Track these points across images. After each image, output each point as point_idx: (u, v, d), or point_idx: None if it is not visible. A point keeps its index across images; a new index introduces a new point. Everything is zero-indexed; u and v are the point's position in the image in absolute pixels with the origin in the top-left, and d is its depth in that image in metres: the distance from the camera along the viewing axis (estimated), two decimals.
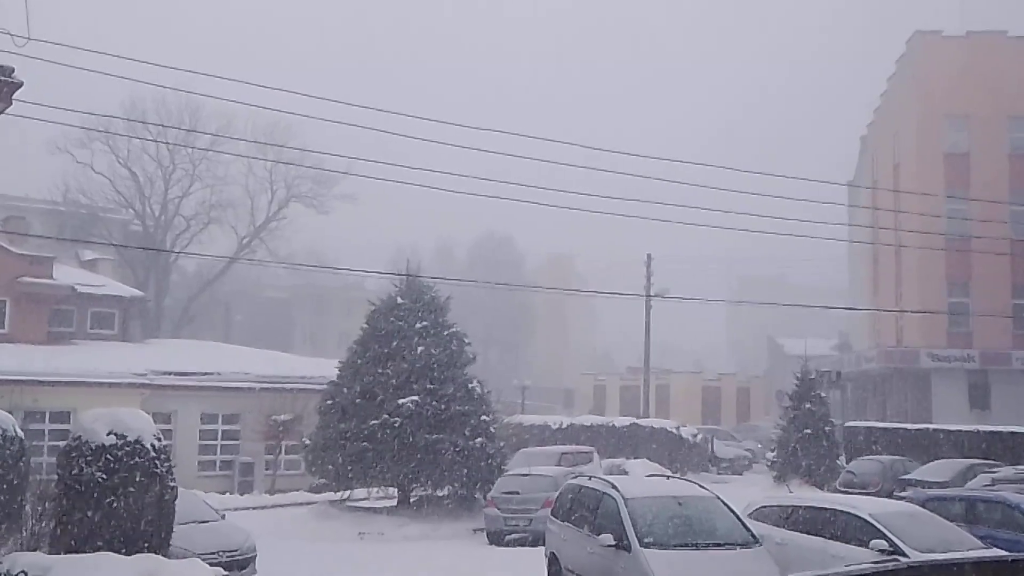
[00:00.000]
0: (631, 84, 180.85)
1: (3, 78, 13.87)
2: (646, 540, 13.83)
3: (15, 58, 13.97)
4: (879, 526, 14.62)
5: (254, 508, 29.89)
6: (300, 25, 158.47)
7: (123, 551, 12.40)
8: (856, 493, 26.14)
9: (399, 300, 29.88)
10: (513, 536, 23.83)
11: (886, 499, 20.15)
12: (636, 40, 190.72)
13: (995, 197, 44.30)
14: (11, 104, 14.55)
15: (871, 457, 33.96)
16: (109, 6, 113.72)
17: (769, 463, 40.24)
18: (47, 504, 13.95)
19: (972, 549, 14.70)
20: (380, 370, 28.58)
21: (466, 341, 30.30)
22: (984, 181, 48.24)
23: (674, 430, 44.45)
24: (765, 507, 17.25)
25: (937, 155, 50.70)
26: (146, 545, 12.70)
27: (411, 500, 29.17)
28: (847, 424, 42.01)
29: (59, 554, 12.62)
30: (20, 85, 14.20)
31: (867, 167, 61.99)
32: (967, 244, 45.84)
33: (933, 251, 43.79)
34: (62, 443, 13.66)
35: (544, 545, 17.83)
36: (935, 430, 37.41)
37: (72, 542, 12.58)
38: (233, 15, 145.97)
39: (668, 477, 19.97)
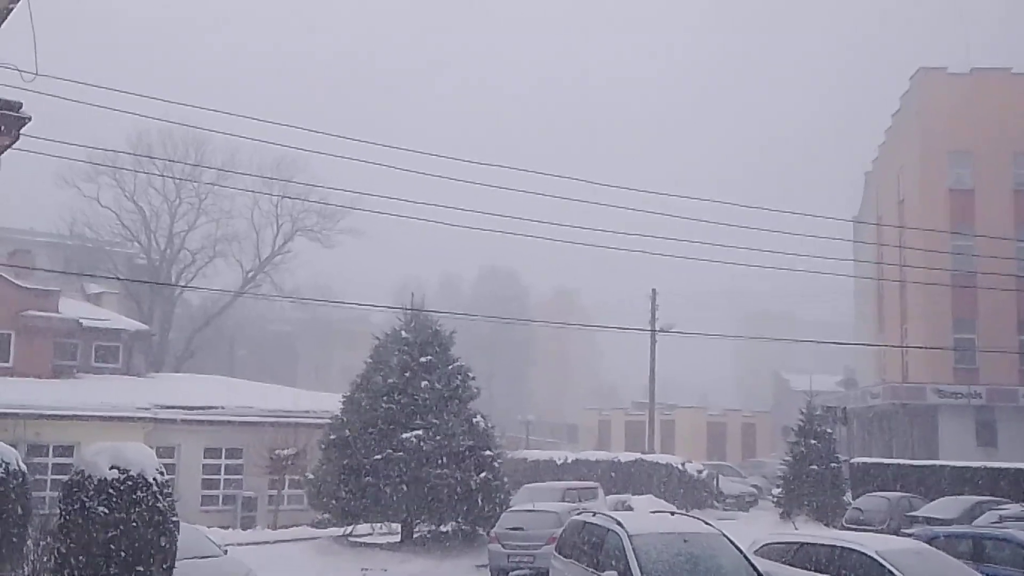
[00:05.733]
0: (638, 120, 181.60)
1: (11, 113, 13.92)
2: None
3: (23, 93, 14.04)
4: (886, 564, 14.50)
5: (256, 543, 29.67)
6: (306, 59, 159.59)
7: None
8: (863, 530, 25.95)
9: (403, 334, 29.86)
10: (517, 573, 23.64)
11: (893, 536, 20.02)
12: (643, 76, 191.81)
13: (1000, 233, 44.33)
14: (19, 139, 14.60)
15: (878, 494, 33.75)
16: (116, 42, 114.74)
17: (775, 499, 40.02)
18: (49, 539, 13.88)
19: None
20: (384, 404, 28.51)
21: (470, 376, 30.24)
22: (989, 217, 48.29)
23: (679, 466, 44.22)
24: (771, 544, 17.12)
25: (942, 191, 50.77)
26: None
27: (414, 536, 29.00)
28: (853, 460, 41.79)
29: None
30: (28, 120, 14.25)
31: (872, 203, 62.08)
32: (972, 280, 45.79)
33: (938, 287, 43.72)
34: (65, 477, 13.60)
35: None
36: (942, 466, 37.22)
37: None
38: (238, 50, 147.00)
39: (673, 513, 19.81)
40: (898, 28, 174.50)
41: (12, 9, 11.34)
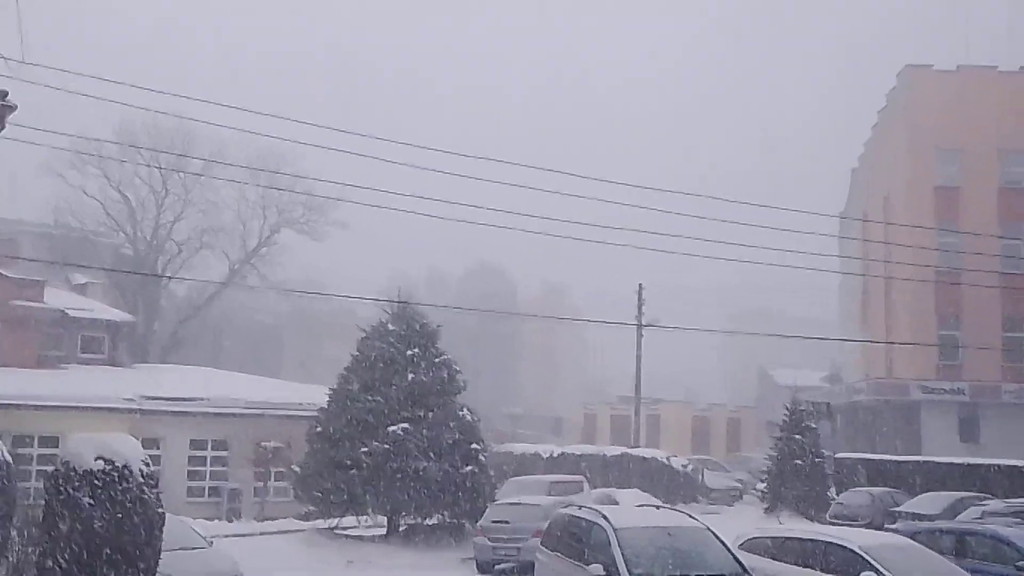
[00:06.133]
0: (629, 118, 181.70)
1: None
2: (636, 571, 13.77)
3: (9, 81, 14.00)
4: (869, 558, 14.59)
5: (242, 535, 29.64)
6: (295, 54, 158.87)
7: None
8: (846, 525, 26.08)
9: (390, 327, 29.86)
10: (502, 566, 23.69)
11: (876, 531, 20.13)
12: (636, 76, 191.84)
13: (986, 230, 44.52)
14: (4, 127, 14.56)
15: (861, 489, 33.94)
16: (103, 30, 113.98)
17: (759, 494, 40.18)
18: (34, 529, 13.86)
19: None
20: (370, 397, 28.50)
21: (456, 369, 30.26)
22: (974, 214, 48.44)
23: (664, 460, 44.35)
24: (755, 538, 17.20)
25: (927, 188, 50.93)
26: (132, 572, 12.60)
27: (400, 529, 29.03)
28: (837, 455, 41.97)
29: None
30: (14, 108, 14.22)
31: (858, 199, 62.24)
32: (957, 277, 45.97)
33: (923, 283, 43.90)
34: (50, 468, 13.57)
35: (533, 575, 17.75)
36: (925, 462, 37.41)
37: (58, 568, 12.48)
38: (227, 40, 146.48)
39: (658, 507, 19.88)
40: (890, 25, 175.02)
41: None
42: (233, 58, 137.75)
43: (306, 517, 31.80)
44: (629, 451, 45.82)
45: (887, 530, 21.09)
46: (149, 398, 35.10)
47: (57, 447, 28.83)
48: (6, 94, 14.10)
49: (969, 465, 35.66)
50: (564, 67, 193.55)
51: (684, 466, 44.91)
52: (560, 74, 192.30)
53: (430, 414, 28.39)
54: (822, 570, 15.15)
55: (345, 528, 29.97)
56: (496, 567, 23.86)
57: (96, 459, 12.75)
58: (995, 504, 26.06)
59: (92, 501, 12.47)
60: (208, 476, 36.20)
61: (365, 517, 29.93)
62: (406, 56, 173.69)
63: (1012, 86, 50.74)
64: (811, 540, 16.16)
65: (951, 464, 36.09)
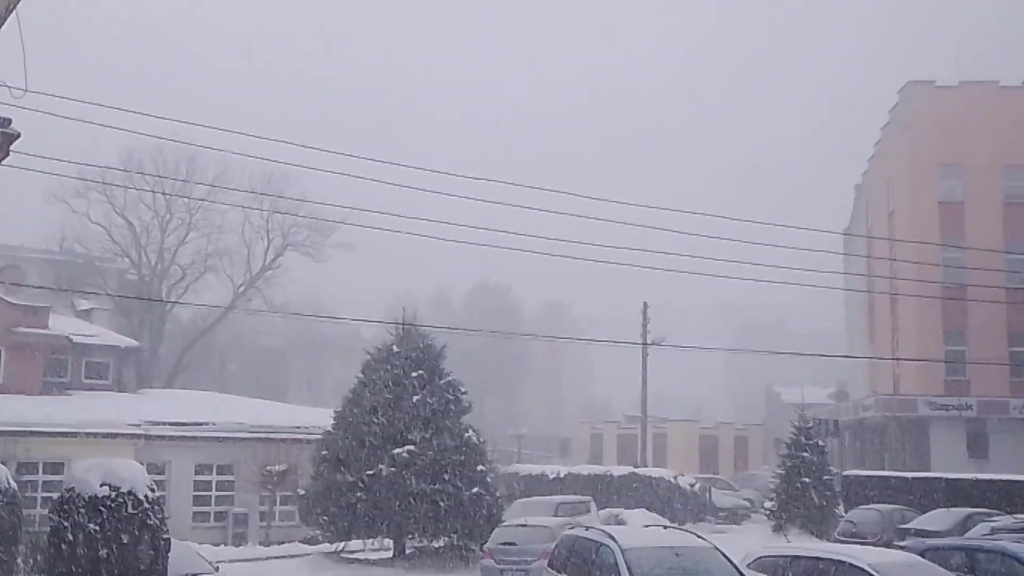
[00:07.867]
0: (632, 135, 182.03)
1: (0, 129, 13.91)
2: None
3: (12, 109, 14.02)
4: None
5: (248, 560, 29.61)
6: (297, 76, 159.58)
7: None
8: (855, 543, 25.94)
9: (395, 349, 29.84)
10: None
11: (885, 549, 20.01)
12: (638, 92, 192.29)
13: (990, 245, 44.45)
14: (8, 155, 14.57)
15: (870, 506, 33.76)
16: (107, 57, 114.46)
17: (767, 512, 40.00)
18: (39, 556, 13.83)
19: None
20: (375, 419, 28.46)
21: (462, 390, 30.21)
22: (979, 230, 48.39)
23: (672, 479, 44.20)
24: (763, 557, 17.07)
25: (932, 204, 50.91)
26: None
27: (407, 551, 28.92)
28: (845, 473, 41.81)
29: None
30: (17, 136, 14.23)
31: (862, 215, 62.22)
32: (963, 292, 45.89)
33: (929, 299, 43.81)
34: (55, 494, 13.56)
35: None
36: (934, 479, 37.24)
37: None
38: (230, 67, 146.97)
39: (665, 527, 19.77)
40: (893, 39, 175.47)
41: (11, 13, 11.32)
42: (233, 79, 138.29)
43: (312, 541, 31.71)
44: (636, 470, 45.67)
45: (896, 547, 20.93)
46: (154, 423, 35.10)
47: (62, 473, 28.85)
48: (9, 121, 14.12)
49: (978, 481, 35.49)
50: (562, 79, 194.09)
51: (691, 485, 44.76)
52: (559, 86, 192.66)
53: (436, 436, 28.32)
54: None
55: (351, 552, 29.87)
56: None
57: (101, 485, 12.74)
58: (1004, 520, 25.87)
59: (97, 527, 12.45)
60: (214, 501, 36.14)
61: (371, 540, 29.85)
62: (402, 71, 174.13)
63: (1014, 101, 50.77)
64: (820, 558, 16.03)
65: (960, 480, 35.92)
